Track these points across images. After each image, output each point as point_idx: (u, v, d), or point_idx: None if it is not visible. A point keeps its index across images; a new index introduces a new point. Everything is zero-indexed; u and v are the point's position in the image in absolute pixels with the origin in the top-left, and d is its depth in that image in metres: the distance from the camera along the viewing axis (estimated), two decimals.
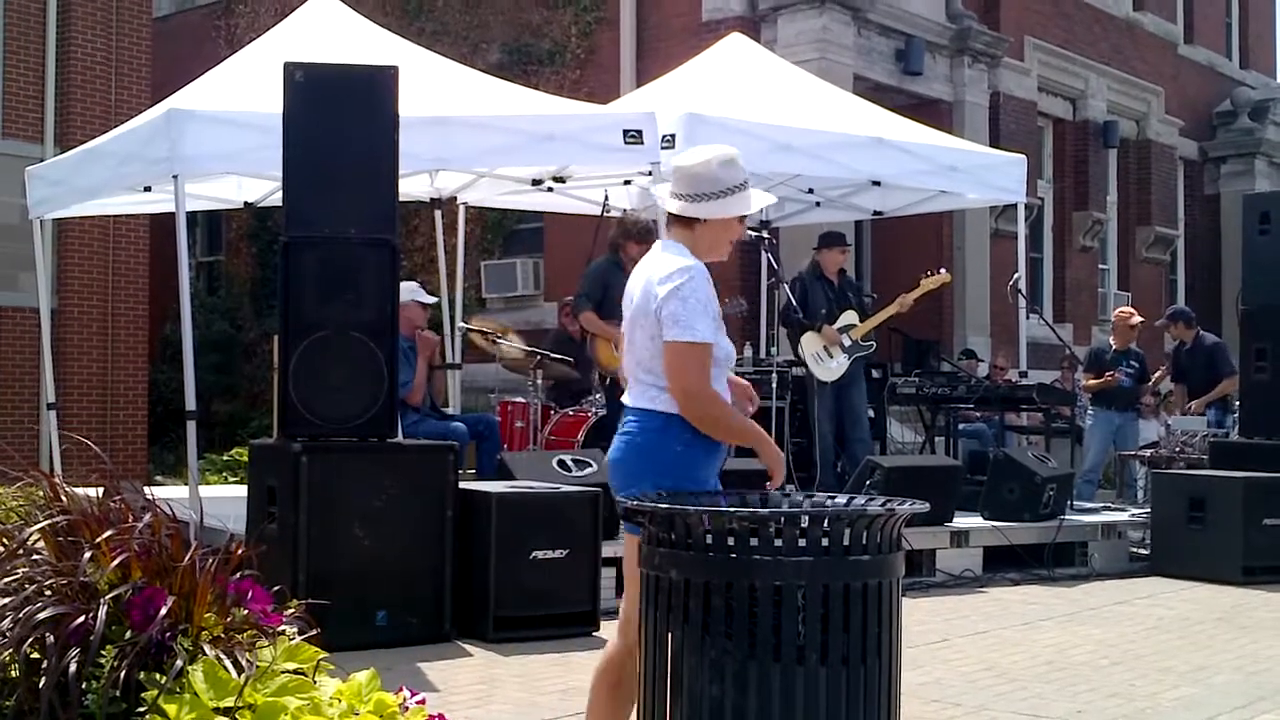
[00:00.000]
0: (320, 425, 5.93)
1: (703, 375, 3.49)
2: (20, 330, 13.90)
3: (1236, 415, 10.72)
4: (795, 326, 9.28)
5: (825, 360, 9.25)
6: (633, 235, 8.44)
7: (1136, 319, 11.41)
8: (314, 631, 3.29)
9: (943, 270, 9.82)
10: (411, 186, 9.60)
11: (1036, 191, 16.32)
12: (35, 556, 3.28)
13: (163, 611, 3.00)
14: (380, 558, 5.89)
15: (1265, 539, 8.53)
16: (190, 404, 7.58)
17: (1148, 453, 10.59)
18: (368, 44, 8.74)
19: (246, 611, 3.21)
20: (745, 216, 3.65)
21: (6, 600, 3.10)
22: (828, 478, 9.10)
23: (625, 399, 3.68)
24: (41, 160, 11.62)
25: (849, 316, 9.34)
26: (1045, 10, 17.38)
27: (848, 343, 9.26)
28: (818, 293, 9.41)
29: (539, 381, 9.15)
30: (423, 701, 3.18)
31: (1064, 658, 6.01)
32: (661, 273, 3.52)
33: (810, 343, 9.25)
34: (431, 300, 8.90)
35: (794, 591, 2.95)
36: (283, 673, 3.04)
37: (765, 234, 10.31)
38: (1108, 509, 10.18)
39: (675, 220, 3.63)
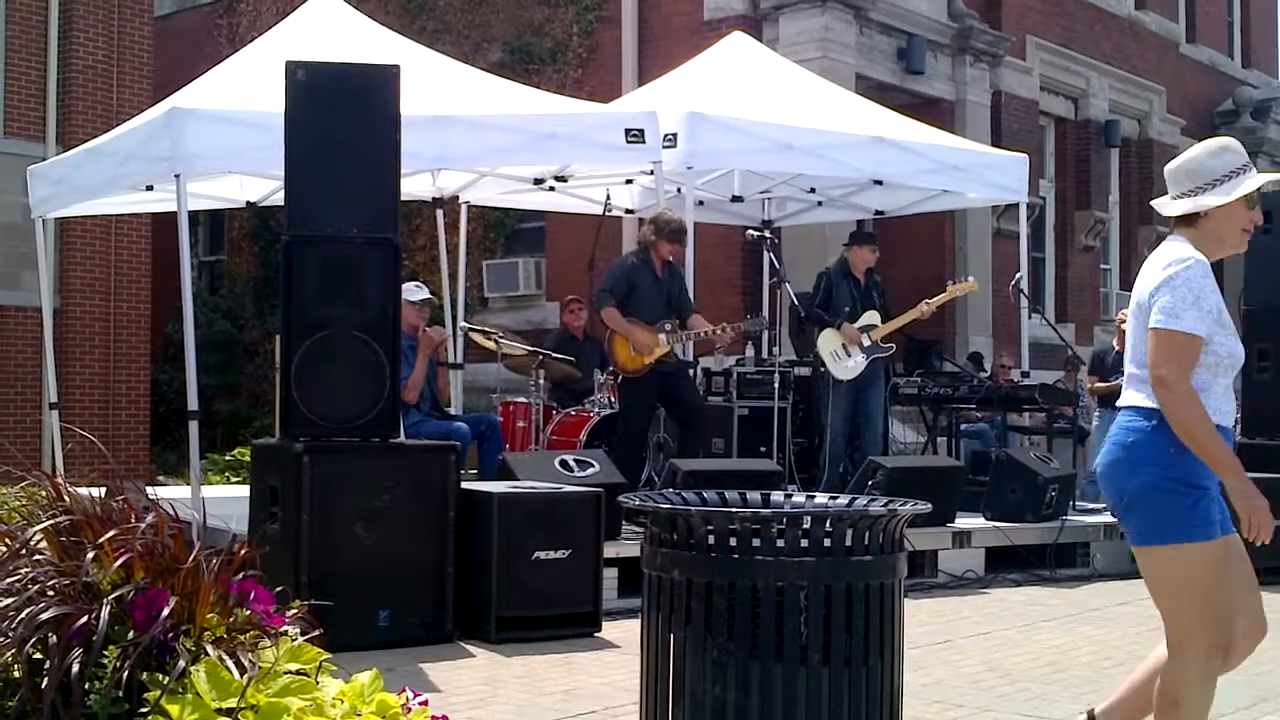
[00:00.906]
0: (322, 425, 5.93)
1: (1181, 367, 3.37)
2: (22, 330, 13.91)
3: None
4: (815, 322, 9.15)
5: (843, 358, 9.12)
6: (665, 234, 8.15)
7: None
8: (316, 632, 3.28)
9: (970, 278, 9.78)
10: (413, 186, 9.61)
11: (1038, 191, 16.32)
12: (38, 557, 3.27)
13: (165, 612, 2.99)
14: (382, 558, 5.88)
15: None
16: (192, 404, 7.59)
17: None
18: (369, 43, 8.74)
19: (249, 612, 3.20)
20: (1255, 204, 3.54)
21: (9, 600, 3.10)
22: (833, 478, 9.06)
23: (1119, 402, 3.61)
24: (43, 159, 11.61)
25: (870, 317, 9.18)
26: (1047, 9, 17.37)
27: (867, 343, 9.13)
28: (843, 290, 9.24)
29: (541, 381, 9.13)
30: (425, 702, 3.18)
31: (1066, 659, 6.00)
32: (1160, 263, 3.49)
33: (829, 340, 9.11)
34: (419, 296, 8.62)
35: (796, 592, 2.96)
36: (285, 673, 3.04)
37: (767, 233, 10.31)
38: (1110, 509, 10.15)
39: (1178, 221, 3.58)
